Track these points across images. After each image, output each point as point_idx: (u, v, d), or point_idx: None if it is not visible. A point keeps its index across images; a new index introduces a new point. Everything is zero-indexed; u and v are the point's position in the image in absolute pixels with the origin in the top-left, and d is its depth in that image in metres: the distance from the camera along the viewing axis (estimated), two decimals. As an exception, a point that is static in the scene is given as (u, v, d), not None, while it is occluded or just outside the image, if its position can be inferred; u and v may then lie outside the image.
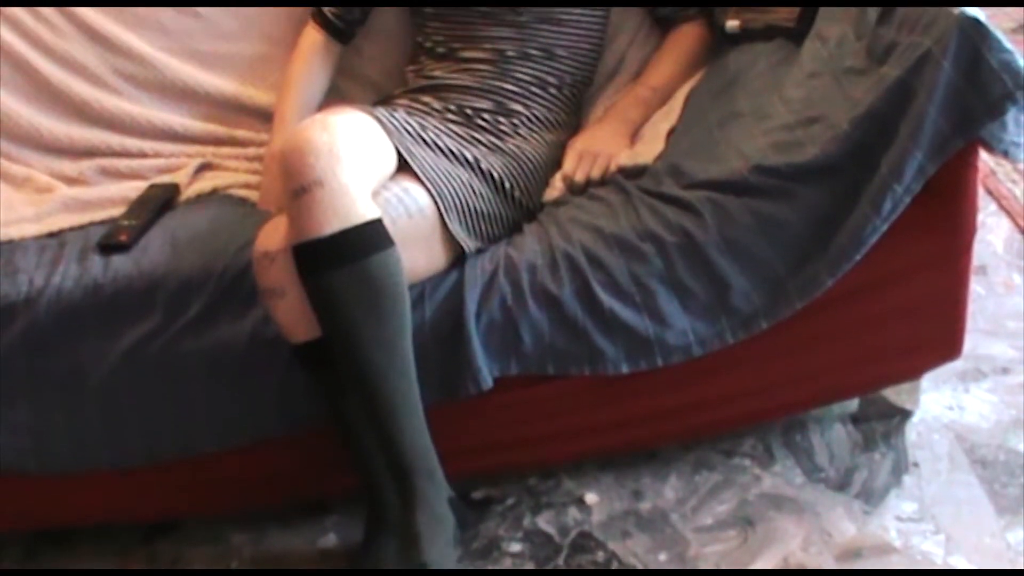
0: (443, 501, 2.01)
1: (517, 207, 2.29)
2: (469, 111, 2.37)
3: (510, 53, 2.42)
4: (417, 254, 2.08)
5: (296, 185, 1.92)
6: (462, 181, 2.20)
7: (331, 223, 1.90)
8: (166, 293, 2.13)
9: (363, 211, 1.93)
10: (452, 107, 2.38)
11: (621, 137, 2.41)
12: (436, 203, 2.13)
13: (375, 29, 2.66)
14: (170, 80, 2.64)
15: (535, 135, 2.41)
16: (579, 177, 2.32)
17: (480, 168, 2.26)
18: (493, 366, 2.09)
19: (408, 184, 2.13)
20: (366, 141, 2.07)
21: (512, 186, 2.28)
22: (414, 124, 2.24)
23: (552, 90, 2.45)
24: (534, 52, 2.43)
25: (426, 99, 2.41)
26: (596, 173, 2.32)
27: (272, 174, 2.38)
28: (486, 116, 2.37)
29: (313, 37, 2.58)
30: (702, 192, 2.10)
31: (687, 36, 2.55)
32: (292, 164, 1.93)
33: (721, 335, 2.08)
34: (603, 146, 2.37)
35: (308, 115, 2.39)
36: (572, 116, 2.52)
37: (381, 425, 1.98)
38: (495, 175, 2.26)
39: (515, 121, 2.39)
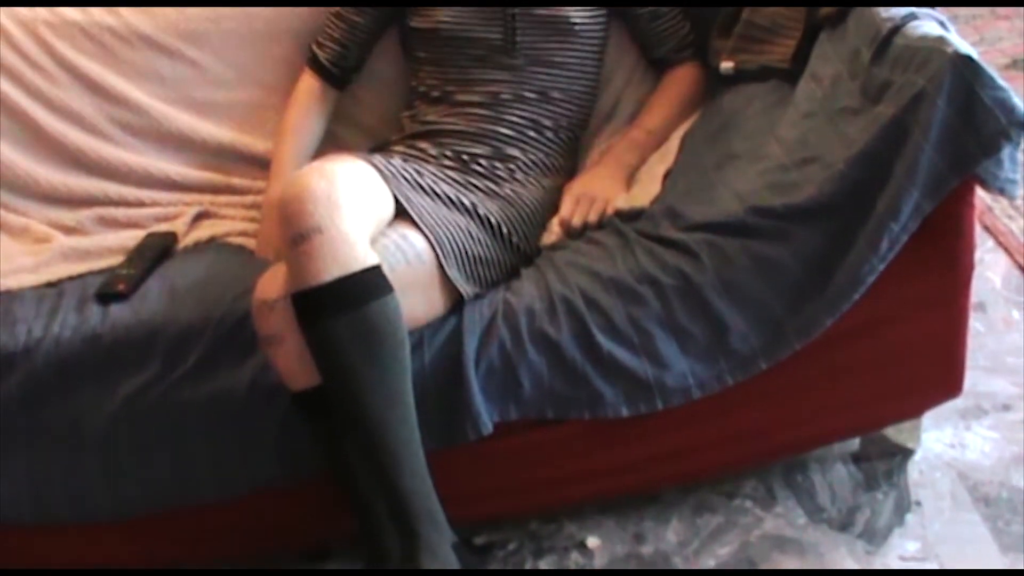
0: (446, 546, 2.00)
1: (515, 252, 2.29)
2: (465, 157, 2.38)
3: (504, 96, 2.43)
4: (416, 300, 2.08)
5: (295, 232, 1.92)
6: (460, 227, 2.20)
7: (330, 270, 1.90)
8: (165, 342, 2.13)
9: (362, 258, 1.93)
10: (448, 153, 2.38)
11: (618, 181, 2.41)
12: (434, 249, 2.13)
13: (371, 75, 2.67)
14: (167, 129, 2.64)
15: (532, 180, 2.41)
16: (576, 221, 2.33)
17: (478, 214, 2.26)
18: (492, 411, 2.08)
19: (406, 231, 2.13)
20: (364, 188, 2.07)
21: (510, 231, 2.28)
22: (411, 171, 2.25)
23: (548, 133, 2.45)
24: (529, 95, 2.44)
25: (422, 145, 2.42)
26: (593, 217, 2.32)
27: (270, 222, 2.39)
28: (482, 162, 2.38)
29: (309, 84, 2.59)
30: (699, 234, 2.10)
31: (682, 78, 2.56)
32: (291, 211, 1.93)
33: (720, 377, 2.08)
34: (600, 190, 2.37)
35: (305, 162, 2.41)
36: (568, 160, 2.53)
37: (382, 471, 1.97)
38: (492, 220, 2.27)
39: (511, 166, 2.40)
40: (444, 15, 2.44)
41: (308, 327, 1.95)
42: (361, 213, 1.99)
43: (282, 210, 1.95)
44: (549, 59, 2.44)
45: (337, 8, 2.56)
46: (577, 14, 2.44)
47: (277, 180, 2.47)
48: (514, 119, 2.43)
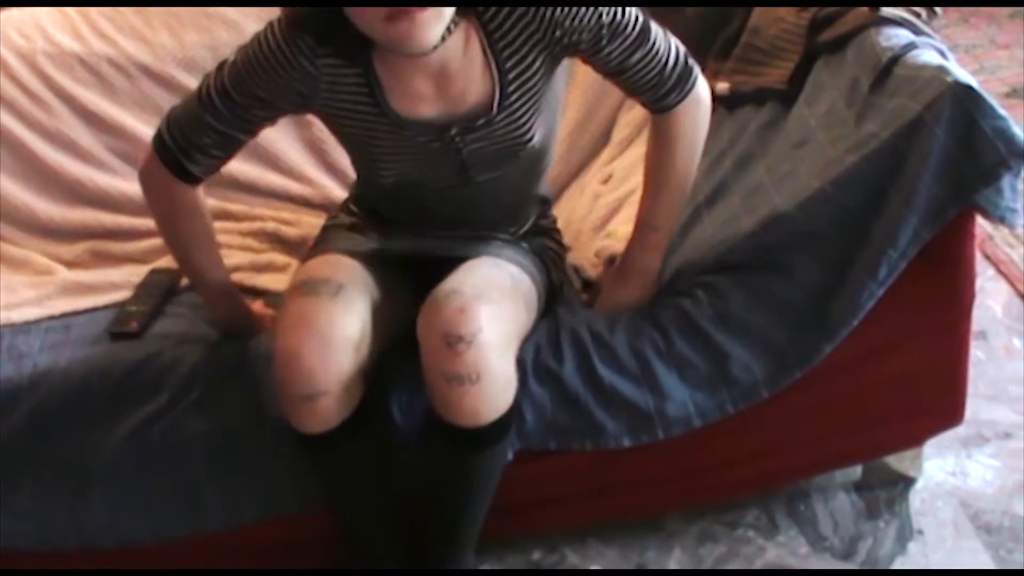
0: None
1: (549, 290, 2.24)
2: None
3: (459, 234, 2.21)
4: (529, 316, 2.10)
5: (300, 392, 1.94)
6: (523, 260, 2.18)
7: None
8: (173, 380, 2.12)
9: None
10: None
11: (647, 289, 2.23)
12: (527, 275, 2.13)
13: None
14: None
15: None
16: None
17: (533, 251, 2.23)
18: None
19: (512, 268, 2.11)
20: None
21: (549, 269, 2.24)
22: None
23: (520, 228, 2.28)
24: (490, 217, 2.23)
25: None
26: None
27: (220, 310, 2.26)
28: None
29: (182, 192, 2.09)
30: (693, 275, 2.14)
31: (666, 136, 2.14)
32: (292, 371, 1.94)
33: (722, 406, 2.08)
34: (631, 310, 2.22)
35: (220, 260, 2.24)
36: (548, 236, 2.35)
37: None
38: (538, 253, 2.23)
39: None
40: (388, 173, 2.09)
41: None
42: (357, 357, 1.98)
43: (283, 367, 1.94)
44: (507, 180, 2.15)
45: (215, 120, 2.04)
46: (530, 132, 2.06)
47: (221, 303, 2.25)
48: (478, 232, 2.22)
